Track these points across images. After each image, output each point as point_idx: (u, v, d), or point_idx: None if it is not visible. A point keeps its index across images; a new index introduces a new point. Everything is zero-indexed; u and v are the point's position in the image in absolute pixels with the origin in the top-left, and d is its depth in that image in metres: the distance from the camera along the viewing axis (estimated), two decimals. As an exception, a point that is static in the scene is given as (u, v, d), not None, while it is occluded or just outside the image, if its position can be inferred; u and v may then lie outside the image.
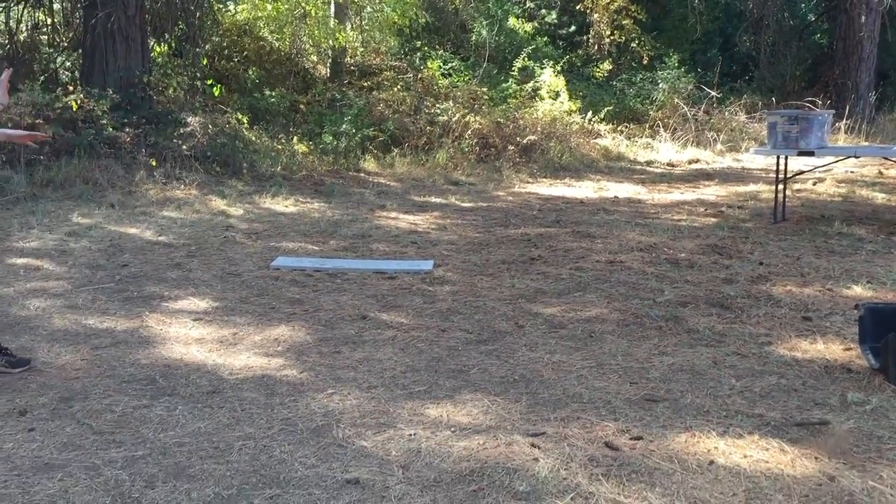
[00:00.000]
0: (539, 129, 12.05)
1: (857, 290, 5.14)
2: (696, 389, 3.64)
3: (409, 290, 5.32)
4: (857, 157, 7.90)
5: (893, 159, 7.49)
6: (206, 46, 12.32)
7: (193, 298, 5.13)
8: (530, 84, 13.18)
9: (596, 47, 16.56)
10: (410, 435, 3.19)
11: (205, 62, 11.98)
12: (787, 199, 7.91)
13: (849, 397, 3.51)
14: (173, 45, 11.89)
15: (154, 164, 9.19)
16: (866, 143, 12.51)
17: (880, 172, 10.58)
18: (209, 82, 11.33)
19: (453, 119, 11.65)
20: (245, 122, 11.03)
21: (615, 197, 9.19)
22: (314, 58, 13.88)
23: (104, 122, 9.37)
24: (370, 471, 2.91)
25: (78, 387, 3.70)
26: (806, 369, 3.87)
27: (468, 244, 6.70)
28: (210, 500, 2.71)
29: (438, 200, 8.88)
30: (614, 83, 15.05)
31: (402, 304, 5.01)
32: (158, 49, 11.59)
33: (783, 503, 2.67)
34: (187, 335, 4.44)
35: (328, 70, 13.75)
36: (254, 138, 10.80)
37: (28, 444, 3.13)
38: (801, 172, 8.63)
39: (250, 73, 12.47)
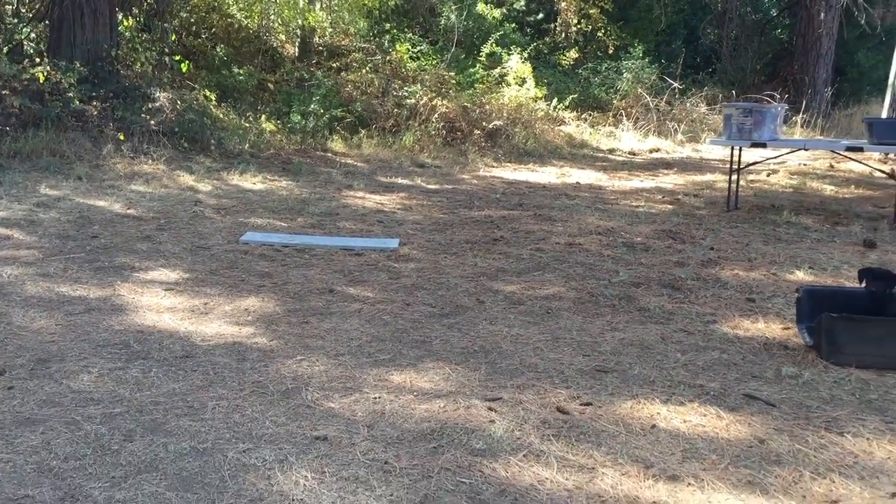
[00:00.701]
0: (505, 114, 12.25)
1: (800, 275, 5.43)
2: (643, 362, 3.88)
3: (375, 266, 5.51)
4: (806, 149, 8.23)
5: (841, 153, 7.82)
6: (175, 22, 12.31)
7: (164, 270, 5.26)
8: (497, 70, 13.37)
9: (563, 35, 16.79)
10: (375, 398, 3.39)
11: (173, 38, 11.98)
12: (740, 189, 8.21)
13: (783, 371, 3.78)
14: (141, 19, 11.86)
15: (122, 138, 9.23)
16: (821, 137, 12.92)
17: (831, 166, 10.97)
18: (177, 58, 11.35)
19: (420, 102, 11.80)
20: (213, 99, 11.08)
21: (577, 183, 9.44)
22: (283, 37, 13.92)
23: (71, 94, 9.38)
24: (337, 429, 3.10)
25: (54, 349, 3.84)
26: (746, 346, 4.14)
27: (433, 224, 6.90)
28: (186, 453, 2.89)
29: (405, 182, 9.06)
30: (580, 71, 15.30)
31: (368, 279, 5.20)
32: (126, 23, 11.55)
33: (716, 462, 2.92)
34: (159, 304, 4.58)
35: (297, 50, 13.80)
36: (222, 116, 10.87)
37: (8, 400, 3.27)
38: (756, 163, 8.94)
39: (218, 50, 12.49)
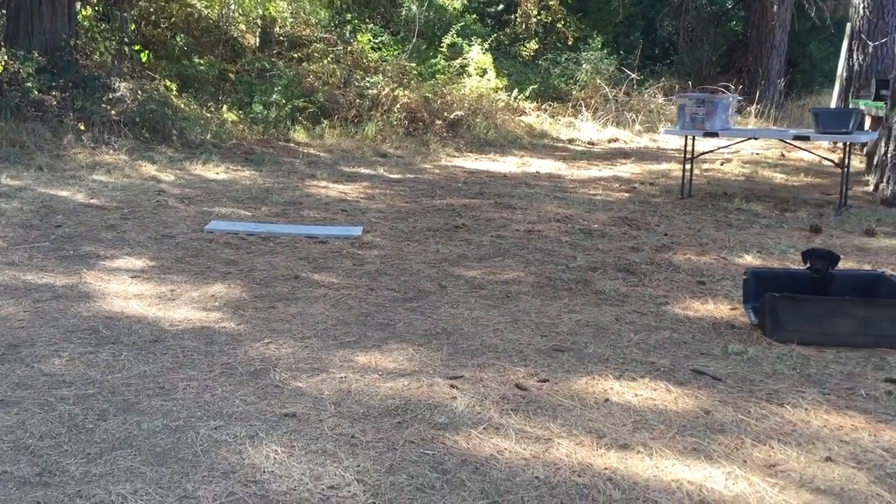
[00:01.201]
0: (466, 105, 12.39)
1: (748, 259, 5.67)
2: (598, 341, 4.06)
3: (339, 253, 5.62)
4: (756, 138, 8.50)
5: (789, 141, 8.09)
6: (133, 11, 12.24)
7: (130, 258, 5.33)
8: (458, 60, 13.49)
9: (523, 26, 16.95)
10: (341, 378, 3.52)
11: (132, 27, 11.92)
12: (694, 178, 8.46)
13: (730, 348, 3.98)
14: (100, 8, 11.79)
15: (82, 128, 9.19)
16: (773, 127, 13.26)
17: (783, 155, 11.29)
18: (136, 48, 11.30)
19: (382, 93, 11.89)
20: (174, 89, 11.06)
21: (537, 172, 9.62)
22: (243, 27, 13.90)
23: (30, 84, 9.32)
24: (305, 407, 3.23)
25: (24, 335, 3.90)
26: (696, 325, 4.34)
27: (396, 212, 7.02)
28: (159, 430, 3.00)
29: (367, 171, 9.16)
30: (540, 62, 15.49)
31: (332, 265, 5.32)
32: (85, 12, 11.47)
33: (664, 432, 3.11)
34: (126, 291, 4.65)
35: (257, 40, 13.79)
36: (183, 106, 10.85)
37: (-19, 384, 3.34)
38: (709, 152, 9.20)
39: (178, 39, 12.45)
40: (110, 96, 9.81)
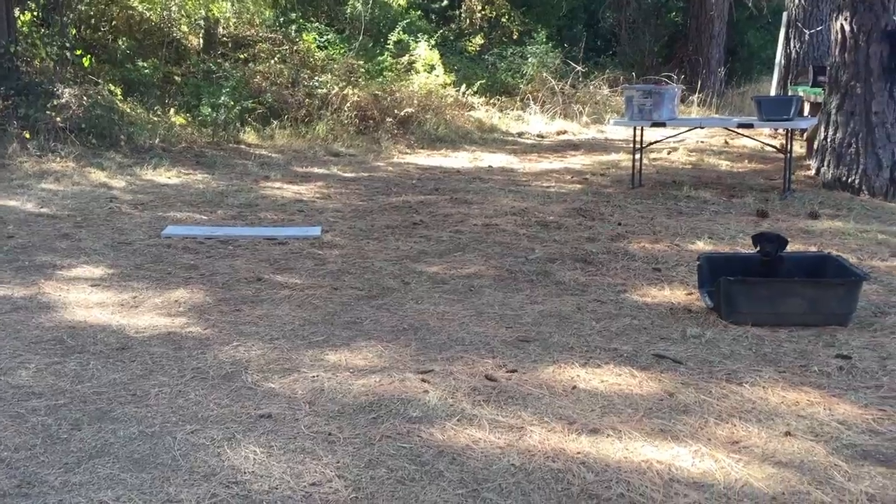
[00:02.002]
0: (416, 101, 12.44)
1: (700, 245, 5.84)
2: (562, 331, 4.16)
3: (300, 254, 5.64)
4: (702, 127, 8.72)
5: (734, 129, 8.32)
6: (73, 15, 12.01)
7: (87, 266, 5.27)
8: (406, 57, 13.53)
9: (468, 22, 17.06)
10: (313, 377, 3.56)
11: (73, 32, 11.70)
12: (643, 167, 8.64)
13: (688, 332, 4.12)
14: (39, 14, 11.55)
15: (27, 136, 9.02)
16: (716, 115, 13.58)
17: (726, 142, 11.58)
18: (78, 53, 11.11)
19: (332, 92, 11.88)
20: (118, 93, 10.90)
21: (489, 166, 9.72)
22: (185, 28, 13.73)
23: (-30, 93, 9.10)
24: (280, 407, 3.26)
25: (-14, 349, 3.86)
26: (654, 311, 4.48)
27: (353, 211, 7.05)
28: (135, 437, 3.01)
29: (321, 171, 9.16)
30: (486, 57, 15.60)
31: (294, 266, 5.34)
32: (24, 18, 11.23)
33: (631, 415, 3.22)
34: (87, 300, 4.62)
35: (201, 41, 13.64)
36: (129, 110, 10.70)
37: (-53, 400, 3.30)
38: (657, 142, 9.40)
39: (120, 43, 12.26)
40: (54, 103, 9.63)
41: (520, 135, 12.73)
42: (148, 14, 12.98)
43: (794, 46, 12.12)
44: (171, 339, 4.00)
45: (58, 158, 8.76)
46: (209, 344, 3.95)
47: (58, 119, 9.39)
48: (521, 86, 14.62)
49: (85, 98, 9.92)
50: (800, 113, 8.13)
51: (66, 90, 9.88)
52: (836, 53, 7.82)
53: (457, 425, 3.11)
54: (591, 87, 15.13)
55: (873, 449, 2.93)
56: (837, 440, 3.00)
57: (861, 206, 7.16)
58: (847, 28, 7.63)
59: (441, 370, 3.64)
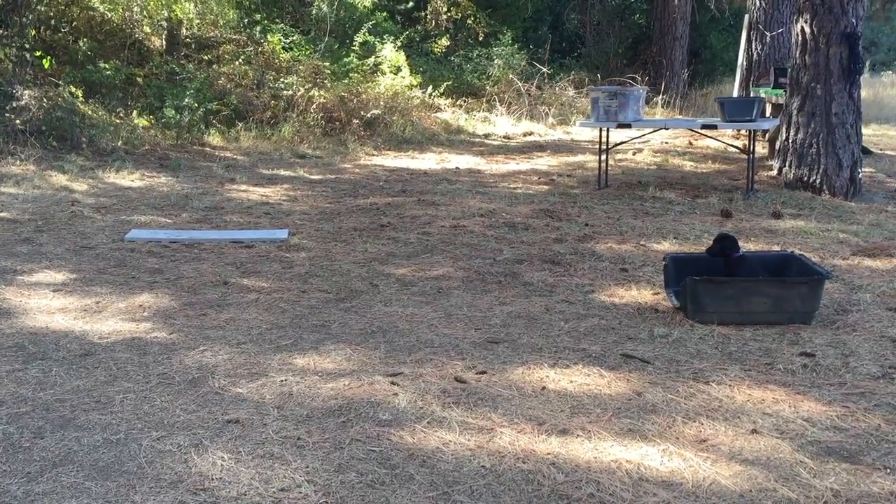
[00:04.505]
0: (382, 103, 12.41)
1: (666, 245, 5.89)
2: (531, 332, 4.17)
3: (266, 257, 5.60)
4: (667, 128, 8.80)
5: (697, 130, 8.42)
6: (32, 16, 11.80)
7: (49, 271, 5.18)
8: (371, 59, 13.49)
9: (433, 23, 17.05)
10: (282, 381, 3.53)
11: (32, 33, 11.49)
12: (609, 168, 8.70)
13: (655, 332, 4.15)
14: (-4, 14, 11.32)
15: (-15, 138, 8.84)
16: (679, 116, 13.72)
17: (690, 143, 11.71)
18: (38, 54, 10.91)
19: (297, 94, 11.81)
20: (80, 95, 10.73)
21: (456, 168, 9.72)
22: (148, 29, 13.56)
23: (-74, 95, 8.91)
24: (248, 412, 3.23)
25: (-55, 357, 3.77)
26: (622, 311, 4.51)
27: (320, 214, 7.01)
28: (100, 445, 2.96)
29: (287, 173, 9.10)
30: (452, 59, 15.61)
31: (261, 269, 5.29)
32: (-19, 18, 11.00)
33: (600, 415, 3.23)
34: (49, 305, 4.53)
35: (164, 42, 13.48)
36: (90, 112, 10.54)
37: None
38: (622, 143, 9.47)
39: (81, 44, 12.07)
40: (13, 105, 9.46)
41: (486, 136, 12.76)
42: (109, 15, 12.80)
43: (756, 48, 12.29)
44: (135, 345, 3.94)
45: (17, 161, 8.61)
46: (175, 349, 3.89)
47: (17, 121, 9.22)
48: (488, 87, 14.65)
49: (45, 100, 9.76)
50: (762, 114, 8.25)
51: (26, 92, 9.71)
52: (797, 55, 7.94)
53: (427, 428, 3.10)
54: (557, 88, 15.21)
55: (837, 445, 2.98)
56: (802, 437, 3.04)
57: (822, 205, 7.28)
58: (808, 30, 7.75)
59: (410, 373, 3.62)
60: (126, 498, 2.61)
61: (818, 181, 7.73)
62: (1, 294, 4.70)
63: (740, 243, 4.69)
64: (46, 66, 10.81)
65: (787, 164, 8.08)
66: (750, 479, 2.74)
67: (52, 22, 12.39)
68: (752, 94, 11.02)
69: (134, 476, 2.74)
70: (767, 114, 9.82)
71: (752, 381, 3.55)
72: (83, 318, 4.33)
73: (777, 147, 8.58)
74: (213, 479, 2.72)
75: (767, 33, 12.11)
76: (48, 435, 3.02)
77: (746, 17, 12.68)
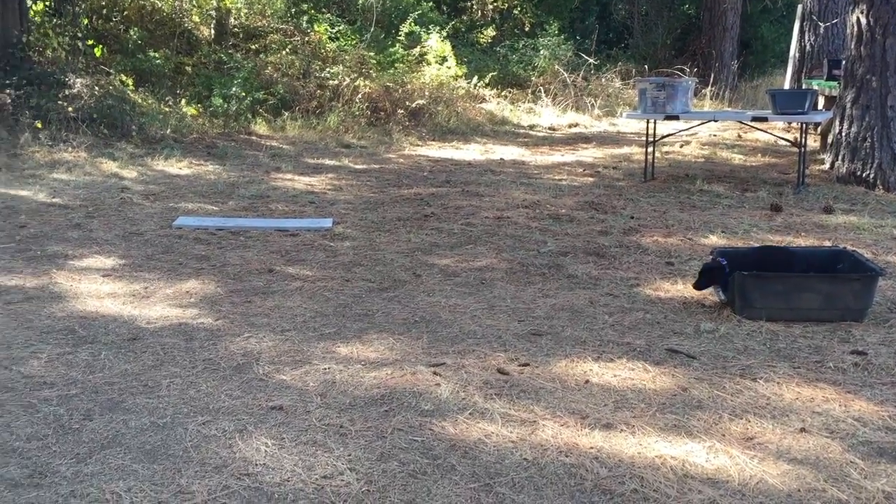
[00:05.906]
0: (427, 93, 12.39)
1: (713, 239, 5.79)
2: (574, 324, 4.14)
3: (311, 245, 5.63)
4: (716, 120, 8.65)
5: (747, 123, 8.26)
6: (84, 5, 12.01)
7: (99, 256, 5.28)
8: (417, 49, 13.48)
9: (479, 13, 16.97)
10: (325, 369, 3.55)
11: (85, 22, 11.70)
12: (656, 160, 8.59)
13: (702, 327, 4.09)
14: (51, 4, 11.55)
15: (39, 126, 9.03)
16: (729, 109, 13.48)
17: (739, 136, 11.50)
18: (90, 43, 11.11)
19: (343, 83, 11.85)
20: (130, 84, 10.90)
21: (501, 159, 9.68)
22: (196, 19, 13.71)
23: (-18, 83, 9.12)
24: (291, 399, 3.25)
25: (-1, 338, 3.86)
26: (667, 306, 4.44)
27: (364, 203, 7.04)
28: (147, 428, 3.00)
29: (332, 163, 9.14)
30: (498, 49, 15.53)
31: (305, 258, 5.32)
32: (36, 8, 11.24)
33: (644, 410, 3.19)
34: (99, 290, 4.62)
35: (212, 32, 13.62)
36: (140, 100, 10.70)
37: (-40, 389, 3.31)
38: (669, 135, 9.34)
39: (132, 33, 12.25)
40: (66, 93, 9.64)
41: (531, 127, 12.68)
42: (160, 4, 12.97)
43: (809, 39, 12.01)
44: (182, 330, 4.00)
45: (69, 148, 8.77)
46: (220, 335, 3.94)
47: (69, 109, 9.40)
48: (533, 78, 14.55)
49: (96, 88, 9.93)
50: (814, 107, 8.05)
51: (78, 80, 9.89)
52: (852, 46, 7.74)
53: (469, 419, 3.09)
54: (603, 79, 15.05)
55: (889, 446, 2.90)
56: (853, 437, 2.97)
57: (876, 200, 7.10)
58: (864, 21, 7.55)
59: (453, 363, 3.62)
60: (172, 481, 2.65)
61: (872, 176, 7.53)
62: (52, 278, 4.80)
63: (790, 238, 4.59)
64: (98, 54, 11.00)
65: (839, 157, 7.90)
66: (798, 479, 2.68)
67: (104, 11, 12.59)
68: (804, 87, 10.78)
69: (180, 459, 2.78)
70: (820, 106, 9.59)
71: (801, 379, 3.47)
72: (131, 302, 4.40)
73: (829, 141, 8.39)
74: (256, 465, 2.75)
75: (821, 24, 11.83)
76: (97, 417, 3.07)
77: (800, 7, 12.39)
